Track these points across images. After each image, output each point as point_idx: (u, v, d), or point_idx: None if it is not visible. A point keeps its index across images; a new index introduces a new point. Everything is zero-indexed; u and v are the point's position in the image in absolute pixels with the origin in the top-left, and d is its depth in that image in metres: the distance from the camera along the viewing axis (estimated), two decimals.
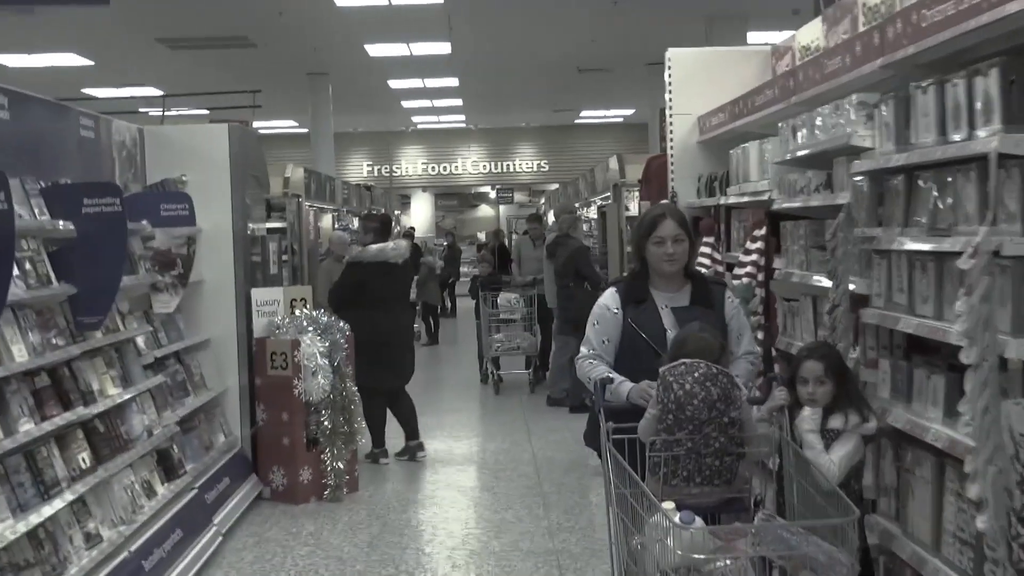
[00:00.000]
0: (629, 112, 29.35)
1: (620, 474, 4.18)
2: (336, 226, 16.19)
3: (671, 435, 4.17)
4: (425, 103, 26.08)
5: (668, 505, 3.82)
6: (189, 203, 7.71)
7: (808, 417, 4.34)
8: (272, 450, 8.44)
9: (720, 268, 7.33)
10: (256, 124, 24.05)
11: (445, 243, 26.55)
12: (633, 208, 12.60)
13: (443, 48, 18.25)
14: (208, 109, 20.95)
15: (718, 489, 4.24)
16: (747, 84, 7.57)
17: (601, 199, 15.54)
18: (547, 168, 33.51)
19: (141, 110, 21.29)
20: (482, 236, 27.62)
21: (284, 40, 17.34)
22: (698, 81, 8.46)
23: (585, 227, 16.56)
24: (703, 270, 6.56)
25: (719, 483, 4.24)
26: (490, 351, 13.71)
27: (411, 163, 33.70)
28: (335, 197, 17.01)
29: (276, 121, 28.20)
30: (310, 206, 14.31)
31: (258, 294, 8.61)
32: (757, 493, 4.34)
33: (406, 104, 26.08)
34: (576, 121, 31.74)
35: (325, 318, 8.65)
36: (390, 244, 9.57)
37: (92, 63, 18.63)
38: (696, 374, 4.17)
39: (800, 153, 5.72)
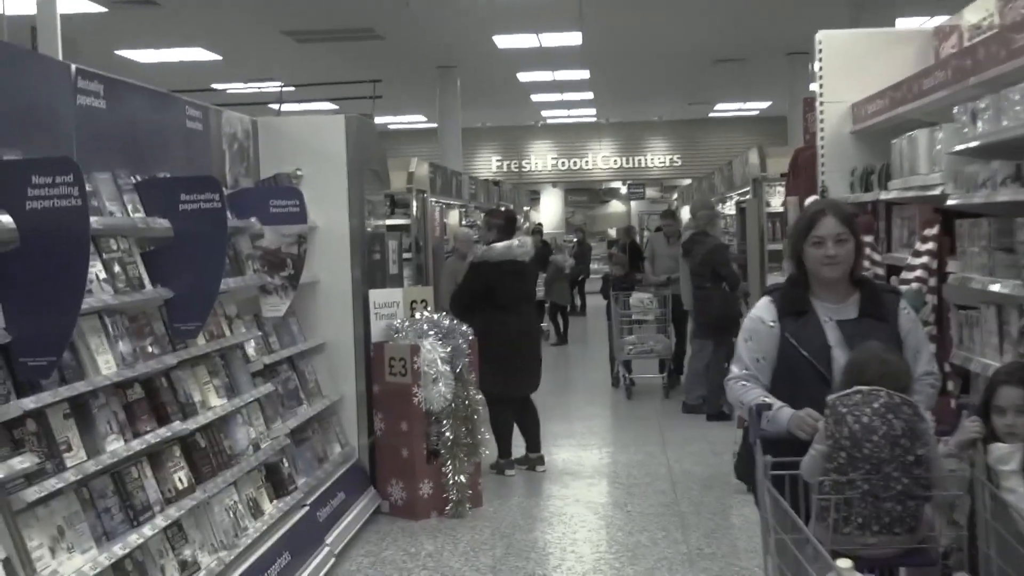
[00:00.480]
0: (765, 105, 28.48)
1: (780, 517, 3.55)
2: (463, 222, 15.74)
3: (843, 475, 3.51)
4: (555, 96, 25.58)
5: (844, 563, 3.16)
6: (300, 199, 7.15)
7: (1007, 454, 3.64)
8: (390, 462, 7.94)
9: (879, 271, 6.63)
10: (383, 119, 23.87)
11: (575, 240, 26.03)
12: (775, 203, 11.93)
13: (574, 39, 17.72)
14: (333, 101, 20.66)
15: (899, 538, 3.58)
16: (905, 68, 6.91)
17: (739, 194, 14.82)
18: (679, 163, 32.76)
19: (272, 105, 21.17)
20: (613, 232, 27.06)
21: (411, 32, 16.99)
22: (851, 66, 7.82)
23: (721, 223, 15.83)
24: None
25: (900, 531, 3.58)
26: (622, 354, 13.07)
27: (540, 158, 33.24)
28: (462, 193, 16.60)
29: (404, 116, 27.98)
30: (435, 202, 13.91)
31: (376, 296, 8.11)
32: (945, 543, 3.66)
33: (535, 98, 25.64)
34: (710, 115, 30.93)
35: (447, 321, 8.12)
36: (515, 241, 9.01)
37: (220, 58, 18.51)
38: (875, 405, 3.51)
39: (983, 141, 4.99)
